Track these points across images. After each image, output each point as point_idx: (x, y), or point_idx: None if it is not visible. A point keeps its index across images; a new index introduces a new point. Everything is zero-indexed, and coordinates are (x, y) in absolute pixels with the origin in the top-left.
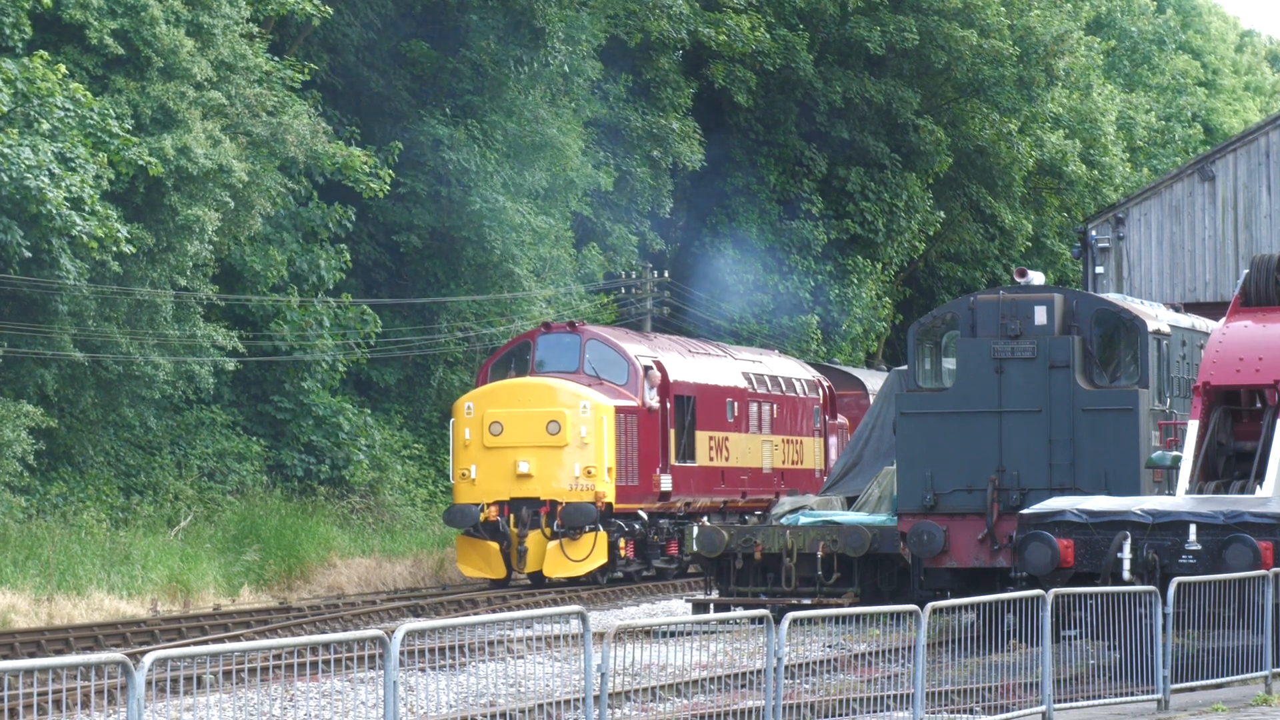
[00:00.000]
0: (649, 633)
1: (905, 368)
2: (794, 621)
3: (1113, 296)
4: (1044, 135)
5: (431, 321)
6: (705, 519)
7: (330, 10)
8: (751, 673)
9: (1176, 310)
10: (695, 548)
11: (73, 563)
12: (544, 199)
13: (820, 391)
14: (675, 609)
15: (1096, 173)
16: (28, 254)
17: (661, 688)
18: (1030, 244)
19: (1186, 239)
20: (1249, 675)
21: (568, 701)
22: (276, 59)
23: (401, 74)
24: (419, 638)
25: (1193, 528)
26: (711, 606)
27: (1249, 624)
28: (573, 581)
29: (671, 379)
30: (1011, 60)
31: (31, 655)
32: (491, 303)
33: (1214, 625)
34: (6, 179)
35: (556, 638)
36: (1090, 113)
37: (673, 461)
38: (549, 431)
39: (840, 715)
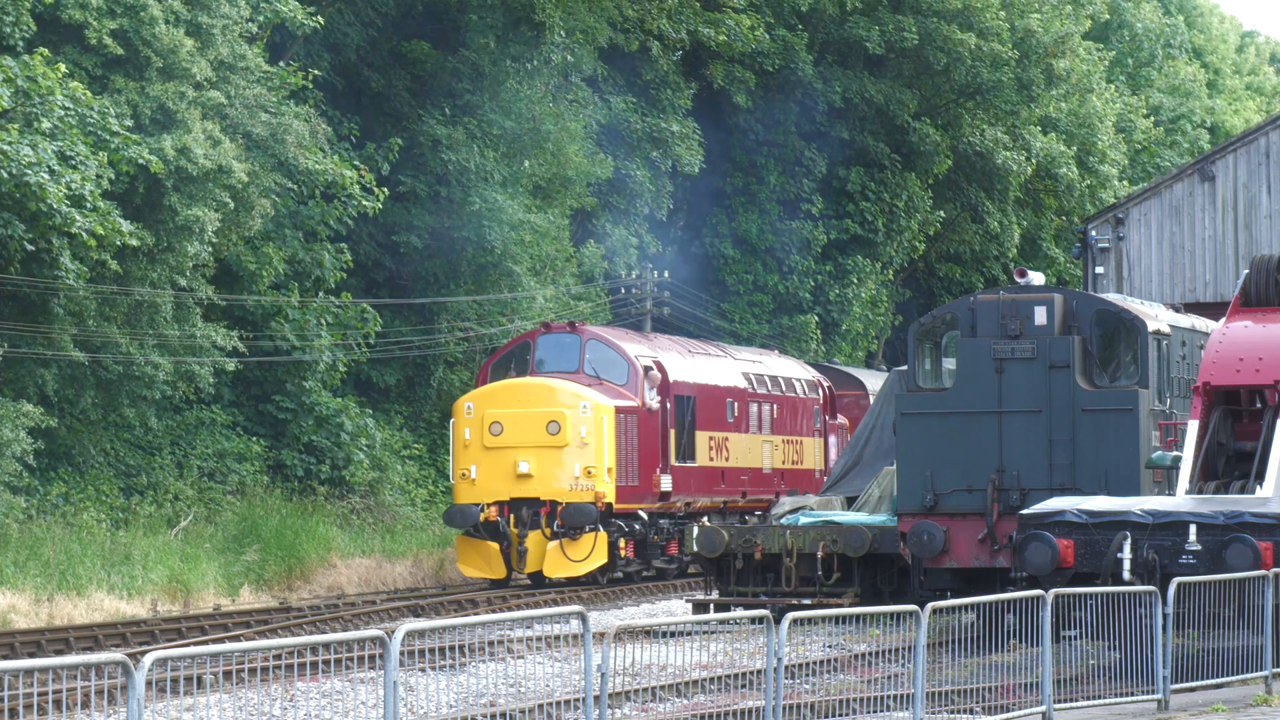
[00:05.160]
0: (649, 633)
1: (905, 368)
2: (794, 621)
3: (1113, 296)
4: (1034, 140)
5: (431, 321)
6: (705, 519)
7: (321, 20)
8: (751, 673)
9: (1176, 310)
10: (695, 548)
11: (73, 563)
12: (543, 197)
13: (820, 391)
14: (675, 609)
15: (1093, 179)
16: (30, 248)
17: (661, 688)
18: (1025, 247)
19: (1186, 239)
20: (1249, 675)
21: (568, 701)
22: (276, 64)
23: (401, 74)
24: (419, 638)
25: (1193, 528)
26: (711, 606)
27: (1249, 624)
28: (573, 581)
29: (671, 379)
30: (1010, 63)
31: (31, 655)
32: (491, 303)
33: (1214, 625)
34: (6, 175)
35: (556, 638)
36: (1089, 117)
37: (673, 461)
38: (549, 431)
39: (840, 715)
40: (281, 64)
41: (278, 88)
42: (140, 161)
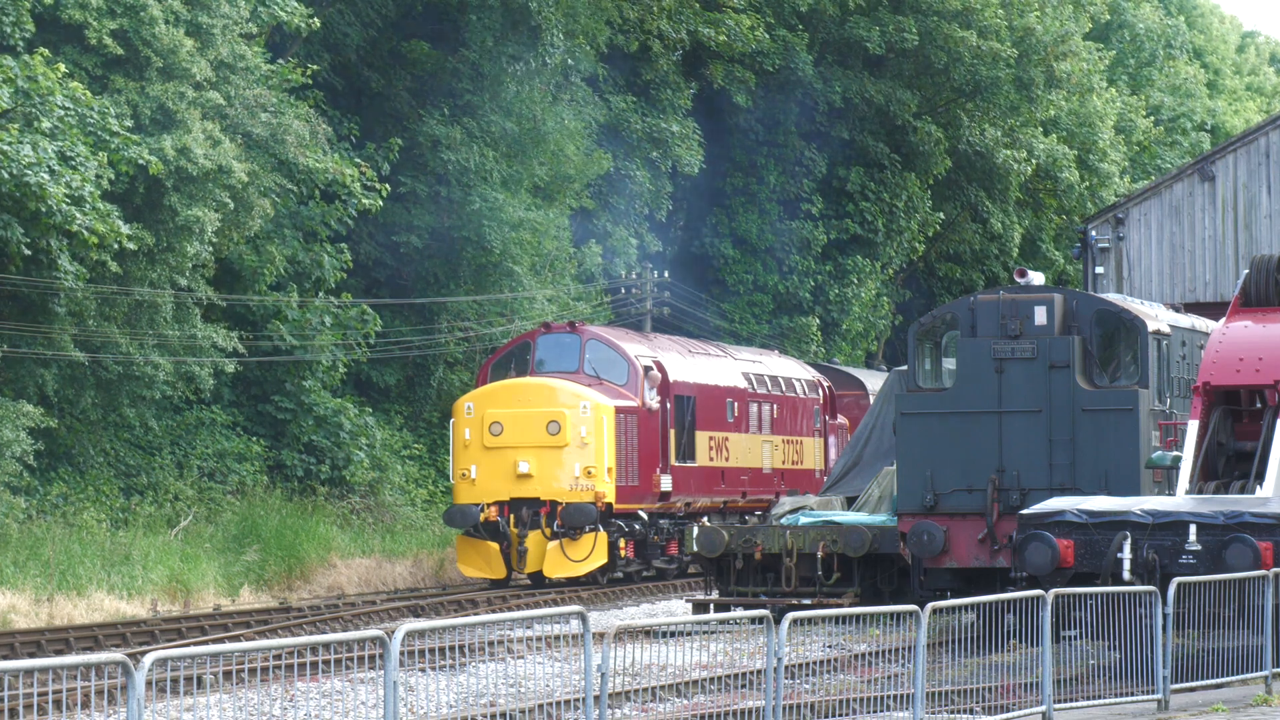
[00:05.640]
0: (649, 633)
1: (905, 368)
2: (794, 621)
3: (1113, 296)
4: (1035, 141)
5: (431, 321)
6: (705, 519)
7: (318, 23)
8: (751, 673)
9: (1176, 310)
10: (695, 548)
11: (73, 563)
12: (543, 196)
13: (820, 391)
14: (675, 609)
15: (1093, 178)
16: (28, 251)
17: (661, 688)
18: (1025, 247)
19: (1186, 239)
20: (1249, 675)
21: (568, 701)
22: (276, 62)
23: (401, 74)
24: (419, 638)
25: (1193, 528)
26: (711, 606)
27: (1249, 624)
28: (573, 581)
29: (671, 379)
30: (1009, 61)
31: (32, 655)
32: (491, 303)
33: (1214, 625)
34: (6, 176)
35: (556, 638)
36: (1089, 116)
37: (673, 461)
38: (549, 431)
39: (840, 715)
40: (281, 61)
41: (277, 85)
42: (140, 162)
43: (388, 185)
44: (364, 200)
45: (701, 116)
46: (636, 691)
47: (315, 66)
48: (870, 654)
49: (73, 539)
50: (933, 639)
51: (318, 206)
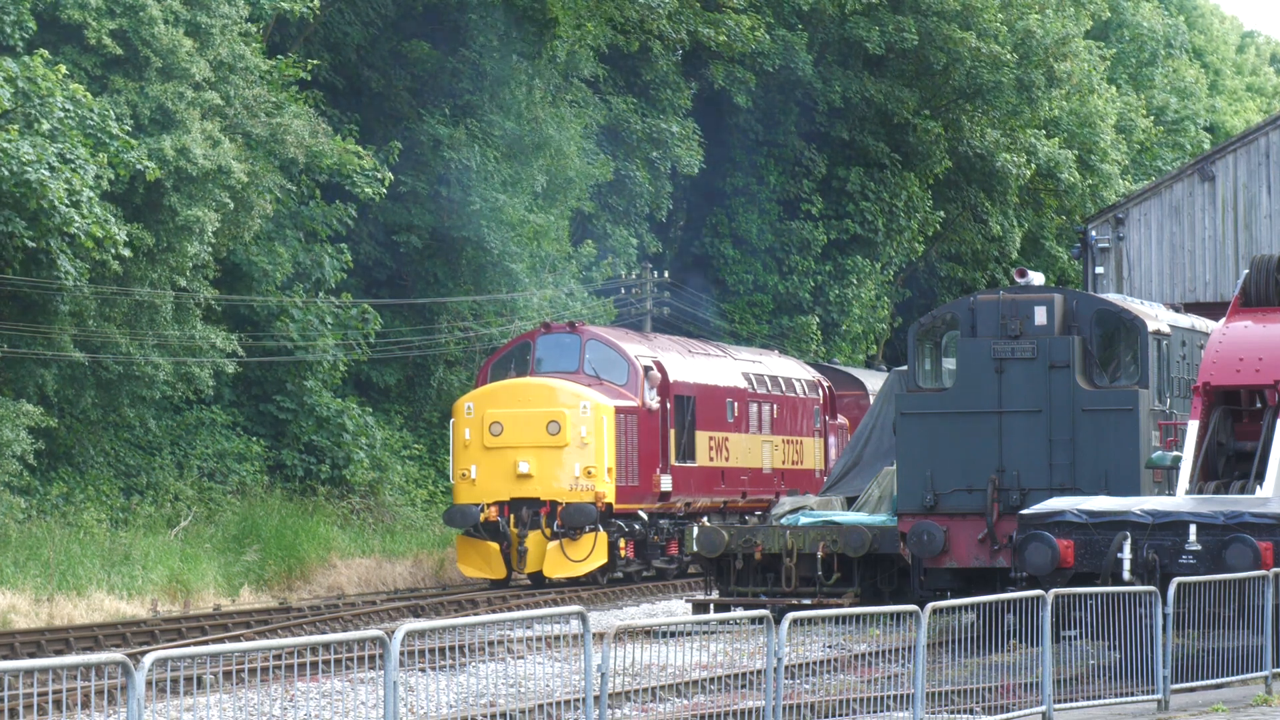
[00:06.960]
0: (649, 633)
1: (905, 368)
2: (794, 622)
3: (1113, 297)
4: (1038, 142)
5: (431, 321)
6: (705, 519)
7: (316, 4)
8: (751, 673)
9: (1176, 310)
10: (695, 548)
11: (73, 563)
12: (544, 198)
13: (820, 391)
14: (675, 609)
15: (1095, 178)
16: (30, 244)
17: (661, 688)
18: (1026, 247)
19: (1186, 239)
20: (1249, 675)
21: (568, 701)
22: (276, 57)
23: (401, 74)
24: (419, 638)
25: (1193, 528)
26: (711, 607)
27: (1249, 624)
28: (573, 582)
29: (671, 379)
30: (1010, 64)
31: (31, 655)
32: (491, 303)
33: (1214, 625)
34: (7, 173)
35: (556, 638)
36: (1090, 116)
37: (673, 462)
38: (549, 432)
39: (840, 715)
40: (280, 57)
41: (276, 81)
42: (139, 167)
43: (390, 175)
44: (367, 190)
45: (701, 117)
46: (636, 691)
47: (315, 61)
48: (870, 654)
49: (73, 539)
50: (933, 639)
51: (318, 207)
